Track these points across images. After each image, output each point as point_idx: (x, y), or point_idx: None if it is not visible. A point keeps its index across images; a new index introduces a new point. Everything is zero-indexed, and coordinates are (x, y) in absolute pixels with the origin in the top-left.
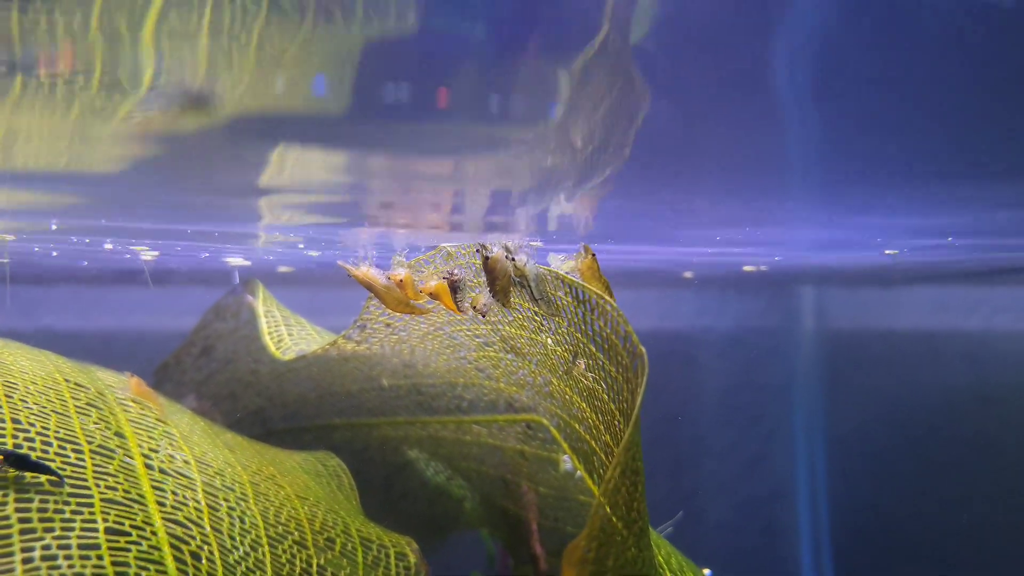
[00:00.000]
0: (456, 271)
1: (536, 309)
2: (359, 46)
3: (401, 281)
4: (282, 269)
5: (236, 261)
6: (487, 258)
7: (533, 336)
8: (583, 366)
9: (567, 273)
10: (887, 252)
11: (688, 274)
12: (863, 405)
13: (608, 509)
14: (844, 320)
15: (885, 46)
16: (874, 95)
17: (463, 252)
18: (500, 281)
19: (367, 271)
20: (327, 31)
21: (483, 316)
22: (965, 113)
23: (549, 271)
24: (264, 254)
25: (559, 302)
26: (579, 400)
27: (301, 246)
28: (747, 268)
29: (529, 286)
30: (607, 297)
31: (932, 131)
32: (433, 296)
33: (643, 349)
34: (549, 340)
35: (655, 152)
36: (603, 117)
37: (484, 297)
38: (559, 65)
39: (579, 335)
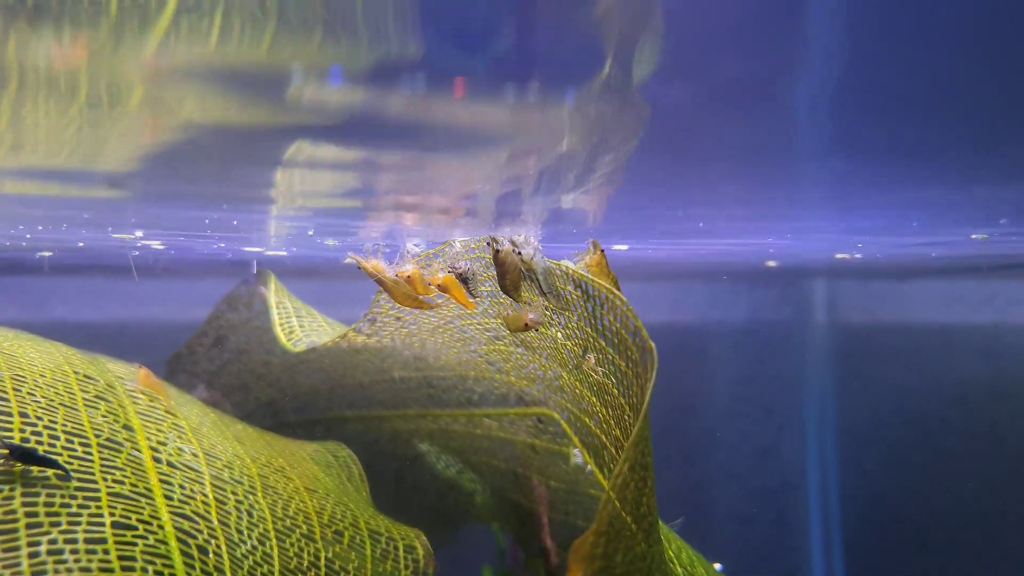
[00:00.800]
0: (461, 264)
1: (545, 303)
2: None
3: (408, 277)
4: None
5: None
6: (497, 252)
7: (544, 330)
8: (593, 360)
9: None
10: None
11: (772, 263)
12: (875, 398)
13: (617, 504)
14: (856, 313)
15: (902, 36)
16: (890, 87)
17: (473, 246)
18: (510, 276)
19: (376, 264)
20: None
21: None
22: (982, 109)
23: (558, 265)
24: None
25: (568, 297)
26: (589, 394)
27: (311, 232)
28: (769, 263)
29: (537, 280)
30: (616, 292)
31: (948, 127)
32: (442, 289)
33: (653, 344)
34: (559, 334)
35: (665, 144)
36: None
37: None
38: (561, 99)
39: (589, 329)
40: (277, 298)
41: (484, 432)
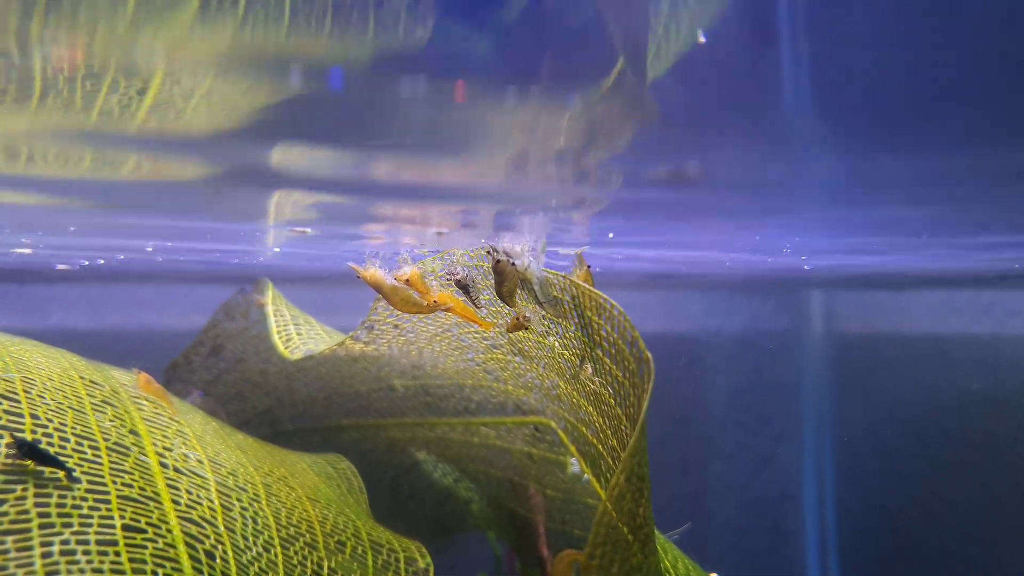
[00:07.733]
0: (460, 271)
1: (543, 312)
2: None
3: (408, 280)
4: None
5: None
6: (498, 261)
7: (541, 339)
8: (590, 370)
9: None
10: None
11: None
12: (872, 408)
13: (614, 515)
14: (854, 323)
15: (902, 50)
16: (886, 103)
17: (471, 255)
18: (507, 284)
19: (374, 272)
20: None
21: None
22: (978, 125)
23: (556, 275)
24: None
25: (566, 306)
26: (586, 404)
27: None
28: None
29: (533, 290)
30: (613, 302)
31: (944, 145)
32: (444, 307)
33: (649, 355)
34: (556, 343)
35: (664, 148)
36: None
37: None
38: (570, 93)
39: (585, 339)
40: (274, 306)
41: (481, 440)
